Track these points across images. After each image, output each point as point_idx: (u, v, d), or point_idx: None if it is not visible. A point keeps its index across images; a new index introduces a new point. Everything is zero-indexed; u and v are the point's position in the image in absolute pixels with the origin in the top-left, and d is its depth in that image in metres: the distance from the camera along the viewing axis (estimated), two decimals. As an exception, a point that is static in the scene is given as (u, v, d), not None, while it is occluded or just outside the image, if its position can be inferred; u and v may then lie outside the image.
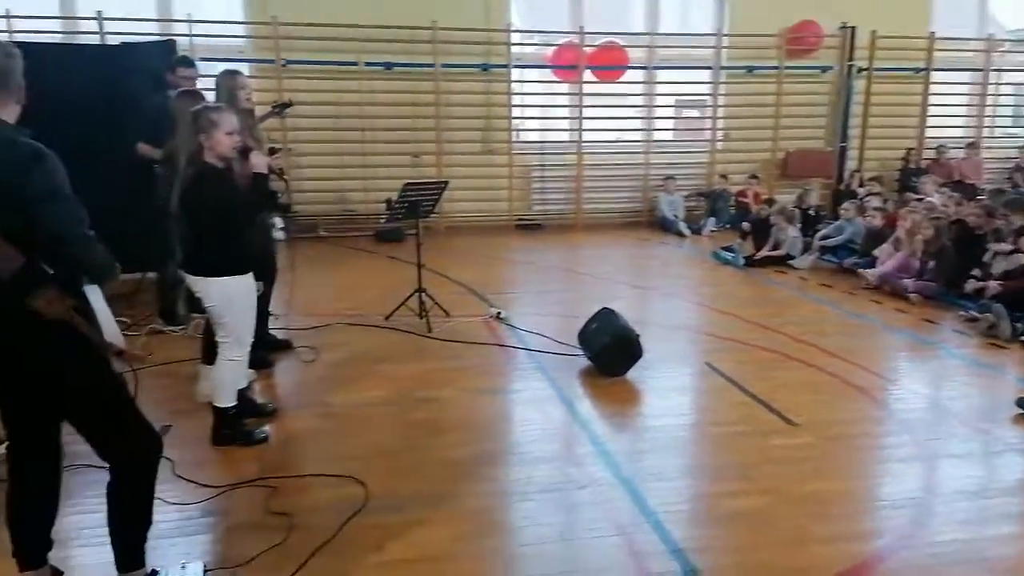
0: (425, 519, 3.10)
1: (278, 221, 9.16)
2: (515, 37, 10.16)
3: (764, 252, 8.19)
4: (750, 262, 8.03)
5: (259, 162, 3.52)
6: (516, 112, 10.37)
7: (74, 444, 2.42)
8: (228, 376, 3.70)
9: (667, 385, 4.69)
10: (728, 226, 10.09)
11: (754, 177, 10.47)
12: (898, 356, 5.57)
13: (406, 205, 5.63)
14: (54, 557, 2.51)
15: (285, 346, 5.12)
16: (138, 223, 5.06)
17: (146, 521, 2.43)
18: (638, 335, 4.77)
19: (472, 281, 7.09)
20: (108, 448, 2.32)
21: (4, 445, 2.47)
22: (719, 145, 10.99)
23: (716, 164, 10.90)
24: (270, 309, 5.10)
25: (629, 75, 10.54)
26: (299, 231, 9.53)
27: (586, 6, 10.46)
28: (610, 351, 4.68)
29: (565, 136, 10.78)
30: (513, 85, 10.20)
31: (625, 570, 2.84)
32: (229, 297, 3.56)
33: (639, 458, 3.72)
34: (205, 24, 9.11)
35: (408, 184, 5.66)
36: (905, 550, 2.97)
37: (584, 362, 4.90)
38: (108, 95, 5.99)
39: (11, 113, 2.16)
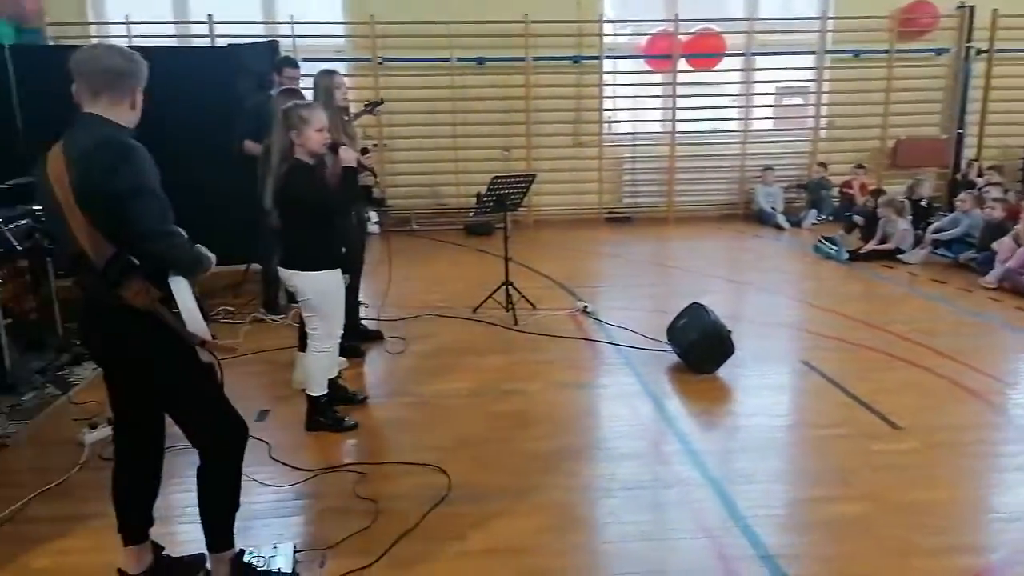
0: (507, 511, 3.11)
1: (373, 215, 9.45)
2: (608, 28, 10.01)
3: (871, 246, 7.76)
4: (855, 256, 7.63)
5: (348, 156, 3.60)
6: (607, 104, 10.23)
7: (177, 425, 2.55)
8: (318, 366, 3.82)
9: (760, 384, 4.51)
10: (831, 218, 9.64)
11: (860, 167, 9.92)
12: (1018, 358, 5.15)
13: (494, 198, 5.66)
14: (156, 533, 2.65)
15: (376, 336, 5.24)
16: (244, 217, 5.31)
17: (233, 504, 2.52)
18: (729, 331, 4.61)
19: (559, 274, 7.06)
20: (195, 433, 2.43)
21: (111, 426, 2.61)
22: (823, 134, 10.50)
23: (818, 154, 10.41)
24: (360, 299, 5.24)
25: (726, 62, 10.18)
26: (392, 225, 9.76)
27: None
28: (699, 347, 4.55)
29: (658, 127, 10.55)
30: (605, 76, 10.07)
31: (712, 573, 2.75)
32: (320, 291, 3.67)
33: (729, 459, 3.59)
34: (307, 25, 9.44)
35: (496, 178, 5.68)
36: (1020, 566, 2.75)
37: (673, 358, 4.78)
38: (218, 94, 6.31)
39: (121, 114, 2.26)
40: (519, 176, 5.86)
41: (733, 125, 10.58)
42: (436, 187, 10.09)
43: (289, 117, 3.48)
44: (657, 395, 4.32)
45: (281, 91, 4.60)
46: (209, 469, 2.44)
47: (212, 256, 2.37)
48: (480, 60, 9.75)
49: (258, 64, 6.31)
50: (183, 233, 2.22)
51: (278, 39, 8.39)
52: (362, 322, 5.27)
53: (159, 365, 2.30)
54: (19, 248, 4.50)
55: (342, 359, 4.71)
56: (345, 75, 9.91)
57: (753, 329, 5.43)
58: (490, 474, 3.42)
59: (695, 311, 4.79)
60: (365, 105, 5.34)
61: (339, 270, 3.77)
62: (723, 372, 4.60)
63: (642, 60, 10.30)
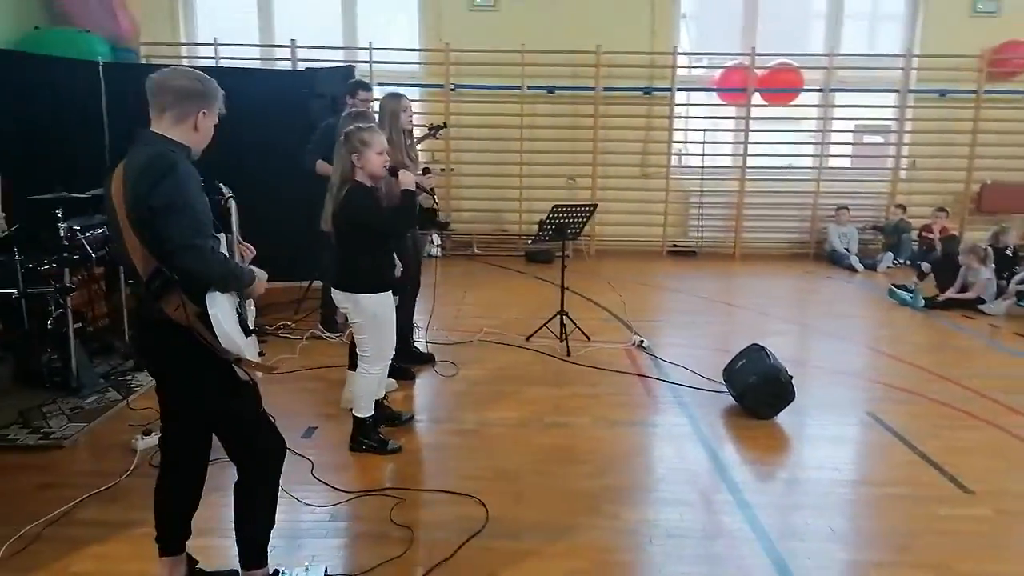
0: (542, 550, 3.02)
1: (435, 238, 9.55)
2: (681, 60, 9.93)
3: (950, 294, 7.38)
4: (932, 304, 7.26)
5: (408, 179, 3.62)
6: (677, 136, 10.11)
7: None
8: (366, 387, 3.82)
9: (821, 434, 4.30)
10: (908, 263, 9.24)
11: (942, 210, 9.49)
12: (1110, 424, 4.77)
13: (554, 227, 5.62)
14: (195, 545, 2.67)
15: (428, 359, 5.24)
16: (309, 235, 5.42)
17: (268, 521, 2.52)
18: (790, 376, 4.42)
19: (617, 307, 6.94)
20: (232, 449, 2.44)
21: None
22: (903, 175, 10.11)
23: (897, 195, 10.02)
24: (414, 322, 5.26)
25: (803, 98, 9.97)
26: (454, 248, 9.84)
27: (760, 28, 10.06)
28: (756, 391, 4.38)
29: (728, 161, 10.38)
30: (676, 108, 9.96)
31: (754, 635, 2.60)
32: (372, 313, 3.68)
33: (782, 513, 3.40)
34: (384, 52, 9.68)
35: (557, 206, 5.64)
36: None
37: (730, 400, 4.61)
38: (294, 115, 6.52)
39: (182, 134, 2.29)
40: (580, 206, 5.80)
41: (808, 162, 10.31)
42: (499, 212, 10.14)
43: (350, 140, 3.52)
44: (709, 439, 4.16)
45: (349, 113, 4.68)
46: (245, 485, 2.45)
47: (255, 272, 2.39)
48: (551, 89, 9.80)
49: (333, 87, 6.49)
50: (216, 248, 2.21)
51: (356, 64, 8.64)
52: (415, 344, 5.29)
53: (197, 379, 2.33)
54: (94, 256, 4.69)
55: (392, 381, 4.74)
56: (417, 100, 10.15)
57: (818, 375, 5.22)
58: (529, 510, 3.34)
59: (754, 353, 4.62)
60: (429, 128, 5.41)
61: (391, 292, 3.79)
62: (782, 419, 4.41)
63: (715, 93, 10.17)
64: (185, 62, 9.88)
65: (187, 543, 2.62)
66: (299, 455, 3.79)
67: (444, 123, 5.68)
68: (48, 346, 4.50)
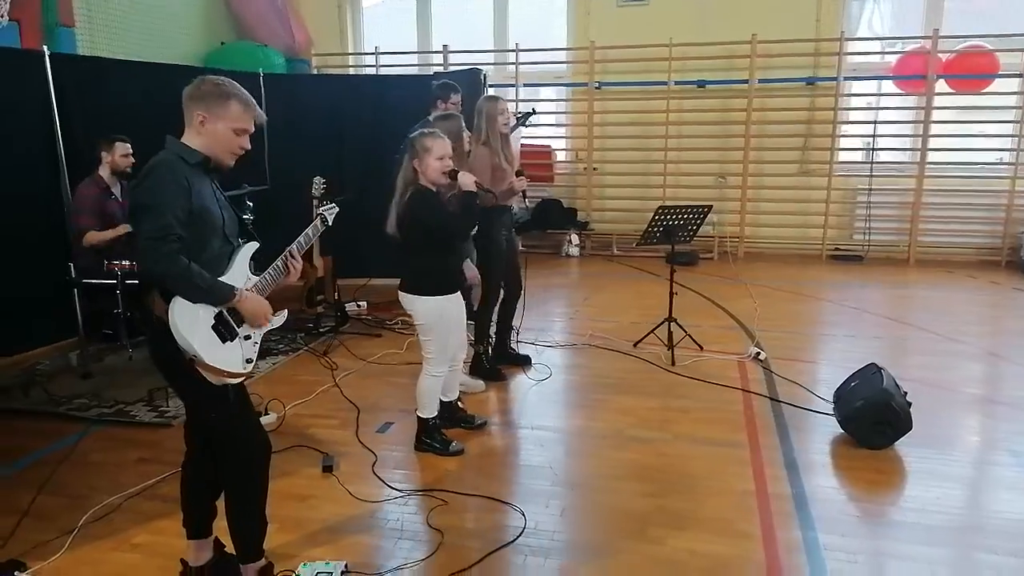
0: (569, 570, 2.88)
1: (574, 237, 9.48)
2: (851, 46, 9.04)
3: None
4: None
5: (467, 181, 3.61)
6: (844, 129, 9.23)
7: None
8: (429, 389, 3.86)
9: (943, 472, 3.71)
10: None
11: None
12: None
13: (661, 229, 5.35)
14: (222, 526, 2.81)
15: (524, 362, 5.20)
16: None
17: (255, 520, 2.59)
18: (908, 403, 3.87)
19: (749, 315, 6.47)
20: (216, 446, 2.55)
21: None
22: None
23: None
24: (514, 324, 5.24)
25: (998, 84, 8.70)
26: (594, 248, 9.71)
27: (946, 8, 8.91)
28: (861, 417, 3.87)
29: (905, 156, 9.31)
30: (843, 99, 9.09)
31: None
32: (435, 315, 3.71)
33: (853, 559, 2.96)
34: (530, 52, 9.75)
35: (662, 207, 5.35)
36: None
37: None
38: (409, 119, 6.76)
39: (192, 138, 2.37)
40: (691, 206, 5.45)
41: (1003, 156, 8.98)
42: (642, 212, 9.79)
43: (414, 145, 3.58)
44: (798, 465, 3.74)
45: (439, 116, 4.74)
46: (227, 483, 2.54)
47: (248, 297, 2.41)
48: (701, 83, 9.36)
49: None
50: (173, 251, 2.22)
51: (479, 67, 8.73)
52: (511, 346, 5.27)
53: (172, 371, 2.45)
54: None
55: (480, 382, 4.78)
56: (563, 99, 10.11)
57: (971, 405, 4.57)
58: (571, 525, 3.21)
59: (869, 374, 4.11)
60: (517, 116, 5.36)
61: (458, 294, 3.81)
62: (901, 450, 3.87)
63: (890, 81, 9.16)
64: (351, 71, 10.61)
65: (213, 524, 2.77)
66: (368, 448, 3.93)
67: (533, 109, 5.62)
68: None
